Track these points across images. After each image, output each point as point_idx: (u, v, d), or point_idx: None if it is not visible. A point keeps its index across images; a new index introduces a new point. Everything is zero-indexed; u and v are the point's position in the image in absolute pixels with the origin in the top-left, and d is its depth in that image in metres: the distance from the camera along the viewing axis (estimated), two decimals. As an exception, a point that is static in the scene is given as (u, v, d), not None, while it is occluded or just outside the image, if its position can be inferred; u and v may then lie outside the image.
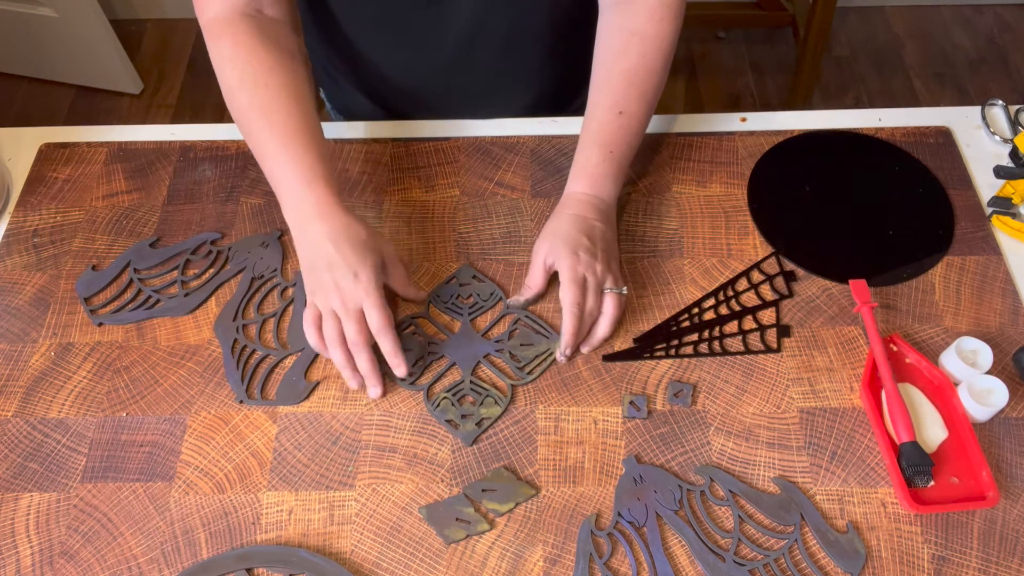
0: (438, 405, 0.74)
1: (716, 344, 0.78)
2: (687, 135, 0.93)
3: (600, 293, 0.75)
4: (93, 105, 2.22)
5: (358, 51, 0.95)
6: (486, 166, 0.90)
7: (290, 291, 0.81)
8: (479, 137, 0.93)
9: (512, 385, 0.75)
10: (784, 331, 0.78)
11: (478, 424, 0.73)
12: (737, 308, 0.80)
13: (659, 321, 0.79)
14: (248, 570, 0.67)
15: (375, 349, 0.73)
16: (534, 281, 0.78)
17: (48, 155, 0.93)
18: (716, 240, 0.85)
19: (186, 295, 0.81)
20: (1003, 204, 0.85)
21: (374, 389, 0.74)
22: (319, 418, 0.74)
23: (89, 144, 0.94)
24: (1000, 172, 0.88)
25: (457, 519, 0.69)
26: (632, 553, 0.67)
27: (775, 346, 0.77)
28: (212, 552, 0.68)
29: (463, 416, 0.73)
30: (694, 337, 0.78)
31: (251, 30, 0.77)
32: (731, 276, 0.82)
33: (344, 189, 0.89)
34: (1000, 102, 0.94)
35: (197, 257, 0.84)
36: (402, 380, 0.75)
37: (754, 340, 0.78)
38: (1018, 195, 0.85)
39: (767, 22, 2.29)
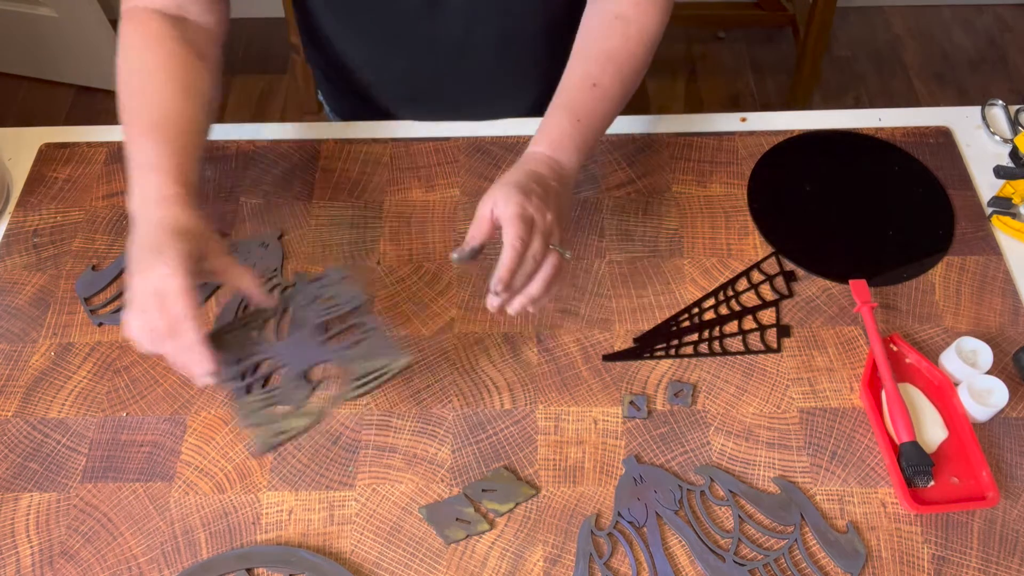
0: (247, 406, 0.68)
1: (716, 344, 0.78)
2: (687, 135, 0.93)
3: (546, 243, 0.67)
4: (93, 105, 2.22)
5: (354, 58, 0.95)
6: (486, 166, 0.90)
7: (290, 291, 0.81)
8: (479, 137, 0.93)
9: (332, 399, 0.70)
10: (784, 331, 0.78)
11: (278, 434, 0.66)
12: (737, 308, 0.80)
13: (659, 321, 0.79)
14: (248, 570, 0.67)
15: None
16: (478, 230, 0.68)
17: (48, 155, 0.93)
18: (716, 240, 0.85)
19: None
20: (1003, 204, 0.85)
21: (200, 380, 0.64)
22: (319, 418, 0.74)
23: (89, 144, 0.94)
24: (1000, 172, 0.88)
25: (457, 519, 0.69)
26: (632, 553, 0.67)
27: (775, 346, 0.77)
28: (212, 552, 0.68)
29: (268, 423, 0.67)
30: (694, 337, 0.78)
31: (164, 24, 0.75)
32: (731, 276, 0.82)
33: (347, 187, 0.89)
34: (1000, 102, 0.94)
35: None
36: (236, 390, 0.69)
37: (754, 340, 0.78)
38: (1018, 195, 0.85)
39: (767, 22, 2.29)
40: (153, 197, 0.67)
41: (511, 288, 0.66)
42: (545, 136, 0.75)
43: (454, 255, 0.68)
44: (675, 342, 0.78)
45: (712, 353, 0.77)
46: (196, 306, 0.63)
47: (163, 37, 0.75)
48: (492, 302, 0.67)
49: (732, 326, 0.79)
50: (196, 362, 0.63)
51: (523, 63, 0.94)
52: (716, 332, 0.78)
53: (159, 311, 0.62)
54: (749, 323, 0.79)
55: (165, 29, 0.75)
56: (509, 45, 0.91)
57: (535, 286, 0.67)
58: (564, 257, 0.68)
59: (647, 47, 0.79)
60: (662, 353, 0.77)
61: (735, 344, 0.78)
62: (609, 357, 0.77)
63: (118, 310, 0.80)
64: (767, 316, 0.79)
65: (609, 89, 0.77)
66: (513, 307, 0.67)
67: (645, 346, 0.77)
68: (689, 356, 0.77)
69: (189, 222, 0.66)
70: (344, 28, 0.91)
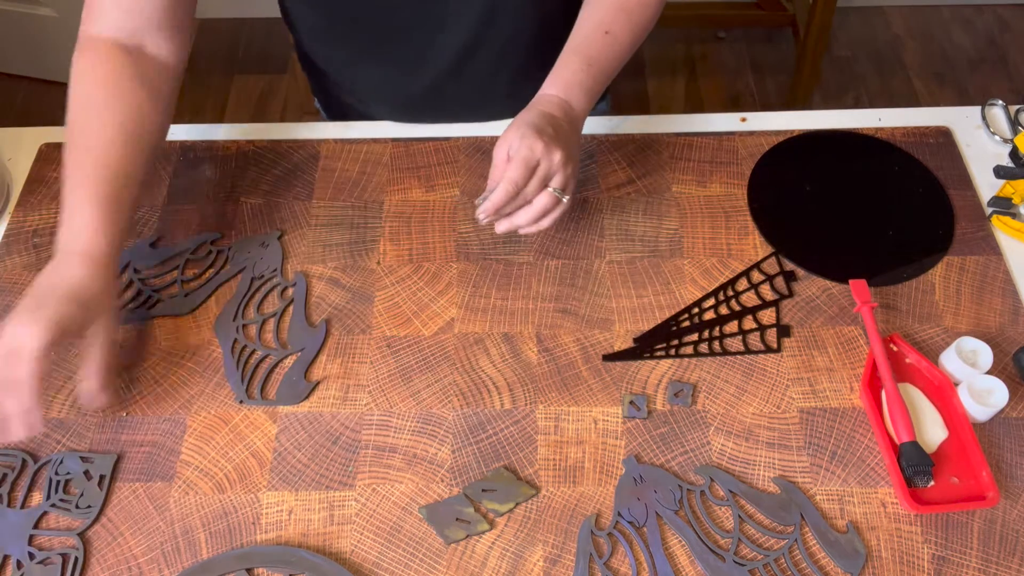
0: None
1: (716, 344, 0.78)
2: (687, 135, 0.93)
3: (544, 184, 0.72)
4: (93, 105, 2.22)
5: (354, 68, 0.95)
6: (486, 166, 0.90)
7: (290, 291, 0.81)
8: (479, 137, 0.93)
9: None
10: (784, 331, 0.78)
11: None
12: (737, 308, 0.80)
13: (659, 321, 0.79)
14: (248, 570, 0.67)
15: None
16: (498, 172, 0.73)
17: (48, 155, 0.93)
18: (716, 240, 0.85)
19: (186, 295, 0.81)
20: (1003, 204, 0.85)
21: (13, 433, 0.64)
22: (319, 418, 0.74)
23: (89, 144, 0.94)
24: (1000, 172, 0.88)
25: (457, 519, 0.69)
26: (632, 553, 0.67)
27: (775, 346, 0.77)
28: (212, 552, 0.68)
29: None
30: (694, 337, 0.78)
31: (119, 60, 0.74)
32: (731, 276, 0.82)
33: (347, 187, 0.89)
34: (1000, 102, 0.94)
35: (197, 257, 0.83)
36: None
37: (754, 340, 0.78)
38: (1018, 195, 0.85)
39: (767, 22, 2.29)
40: (71, 247, 0.67)
41: (499, 214, 0.72)
42: (558, 79, 0.77)
43: (478, 200, 0.73)
44: (675, 342, 0.78)
45: (712, 353, 0.77)
46: (42, 375, 0.62)
47: (118, 75, 0.74)
48: (479, 219, 0.73)
49: (732, 326, 0.79)
50: (22, 426, 0.63)
51: (519, 71, 0.94)
52: (716, 332, 0.78)
53: (5, 364, 0.62)
54: (749, 323, 0.79)
55: (120, 66, 0.74)
56: (506, 55, 0.91)
57: (521, 217, 0.73)
58: (561, 200, 0.74)
59: None
60: (662, 353, 0.77)
61: (735, 344, 0.78)
62: (609, 357, 0.77)
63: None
64: (767, 316, 0.79)
65: (620, 36, 0.79)
66: (499, 228, 0.74)
67: (645, 346, 0.77)
68: (689, 356, 0.77)
69: (90, 289, 0.66)
70: (338, 43, 0.91)
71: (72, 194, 0.70)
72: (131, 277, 0.82)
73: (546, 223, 0.74)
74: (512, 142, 0.71)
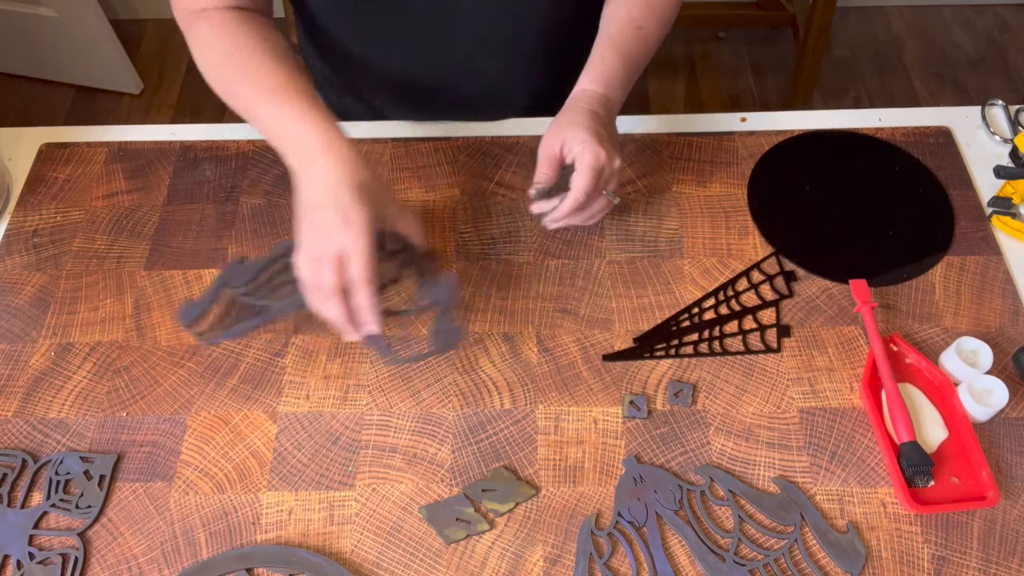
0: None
1: (716, 344, 0.78)
2: (687, 135, 0.93)
3: (605, 187, 0.76)
4: (93, 105, 2.22)
5: (361, 64, 0.94)
6: (486, 166, 0.90)
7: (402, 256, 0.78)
8: (479, 137, 0.93)
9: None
10: (784, 331, 0.78)
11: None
12: (737, 308, 0.80)
13: (659, 321, 0.79)
14: (248, 570, 0.67)
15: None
16: (550, 169, 0.75)
17: (48, 155, 0.93)
18: (716, 240, 0.85)
19: (294, 296, 0.75)
20: (1003, 204, 0.85)
21: (347, 334, 0.68)
22: (319, 418, 0.74)
23: (89, 144, 0.94)
24: (1000, 172, 0.88)
25: (457, 519, 0.69)
26: (632, 553, 0.67)
27: (775, 346, 0.77)
28: (212, 552, 0.68)
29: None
30: (694, 337, 0.78)
31: (227, 15, 0.78)
32: (731, 276, 0.82)
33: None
34: (1000, 102, 0.94)
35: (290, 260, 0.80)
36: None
37: (754, 340, 0.78)
38: (1018, 195, 0.85)
39: (767, 22, 2.29)
40: (317, 148, 0.68)
41: (558, 219, 0.76)
42: (597, 74, 0.79)
43: (532, 192, 0.76)
44: (675, 342, 0.78)
45: (712, 353, 0.77)
46: (374, 269, 0.66)
47: (240, 22, 0.77)
48: (546, 223, 0.77)
49: (732, 326, 0.79)
50: (366, 321, 0.66)
51: (529, 65, 0.94)
52: (716, 332, 0.78)
53: (334, 271, 0.64)
54: (749, 323, 0.79)
55: (230, 22, 0.77)
56: (517, 50, 0.91)
57: (577, 218, 0.77)
58: (612, 202, 0.77)
59: None
60: (662, 353, 0.77)
61: (735, 344, 0.78)
62: (609, 357, 0.77)
63: (228, 327, 0.76)
64: (767, 316, 0.79)
65: (651, 30, 0.81)
66: (552, 225, 0.77)
67: (645, 346, 0.77)
68: (689, 356, 0.77)
69: (363, 175, 0.67)
70: (349, 33, 0.91)
71: (284, 109, 0.71)
72: (232, 296, 0.76)
73: (593, 221, 0.79)
74: (570, 142, 0.73)
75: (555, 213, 0.75)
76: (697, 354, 0.77)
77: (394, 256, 0.74)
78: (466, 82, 0.94)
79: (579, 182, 0.72)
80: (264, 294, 0.75)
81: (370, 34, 0.89)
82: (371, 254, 0.65)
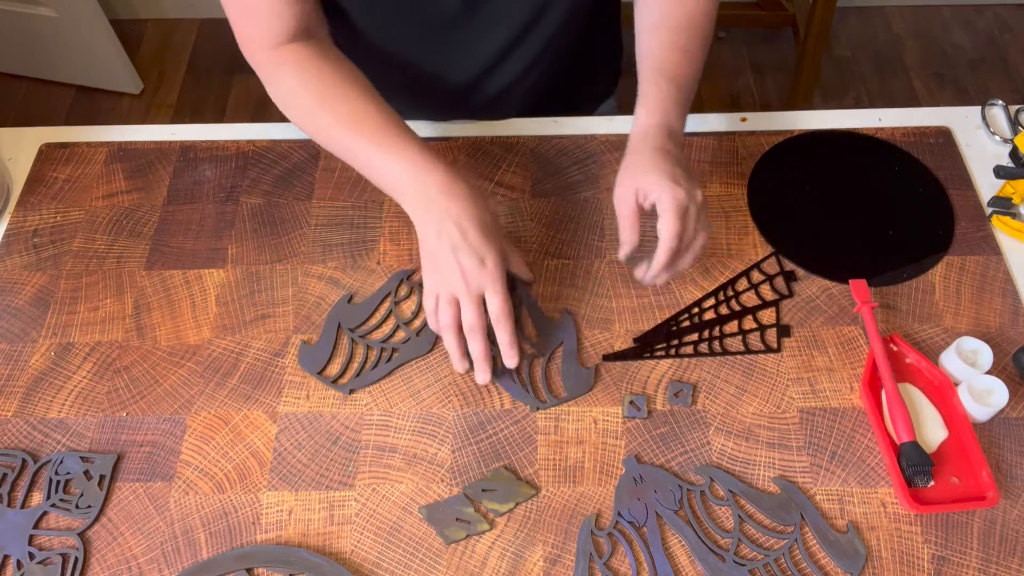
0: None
1: (716, 344, 0.78)
2: (687, 135, 0.92)
3: (696, 225, 0.72)
4: (93, 105, 2.22)
5: (387, 64, 0.93)
6: (486, 166, 0.90)
7: (515, 295, 0.79)
8: (479, 137, 0.93)
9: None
10: (784, 331, 0.78)
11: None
12: (737, 308, 0.80)
13: (659, 321, 0.79)
14: (248, 570, 0.67)
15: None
16: (632, 230, 0.73)
17: (48, 155, 0.93)
18: (716, 240, 0.84)
19: (417, 334, 0.78)
20: (1003, 204, 0.85)
21: (482, 375, 0.73)
22: (319, 418, 0.74)
23: (89, 144, 0.94)
24: (1000, 172, 0.88)
25: (457, 519, 0.69)
26: (632, 553, 0.67)
27: (775, 346, 0.77)
28: (212, 552, 0.68)
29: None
30: (694, 337, 0.78)
31: (310, 53, 0.77)
32: (731, 276, 0.82)
33: (347, 187, 0.89)
34: (1000, 102, 0.94)
35: (401, 297, 0.81)
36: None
37: (754, 340, 0.78)
38: (1018, 195, 0.85)
39: (767, 22, 2.29)
40: (439, 190, 0.70)
41: (658, 276, 0.73)
42: (655, 104, 0.76)
43: (622, 255, 0.73)
44: (675, 342, 0.78)
45: (712, 353, 0.77)
46: (511, 304, 0.71)
47: (320, 67, 0.77)
48: (647, 279, 0.74)
49: (732, 326, 0.79)
50: (510, 357, 0.72)
51: (547, 74, 0.93)
52: (716, 332, 0.78)
53: (478, 313, 0.70)
54: (749, 323, 0.79)
55: (316, 61, 0.77)
56: (541, 57, 0.90)
57: (684, 263, 0.73)
58: (708, 232, 0.74)
59: (715, 4, 0.81)
60: (662, 353, 0.77)
61: (735, 344, 0.78)
62: (609, 357, 0.77)
63: (359, 373, 0.77)
64: (767, 316, 0.79)
65: (695, 52, 0.80)
66: (660, 281, 0.74)
67: (645, 346, 0.77)
68: (689, 356, 0.77)
69: (486, 214, 0.71)
70: (379, 34, 0.89)
71: (397, 165, 0.72)
72: (351, 338, 0.78)
73: (697, 261, 0.74)
74: (647, 193, 0.71)
75: (652, 270, 0.72)
76: (697, 354, 0.77)
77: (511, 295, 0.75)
78: (491, 84, 0.93)
79: (666, 230, 0.70)
80: (384, 335, 0.78)
81: (403, 35, 0.88)
82: (507, 292, 0.70)
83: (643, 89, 0.77)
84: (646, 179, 0.71)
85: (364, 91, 0.76)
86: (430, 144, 0.72)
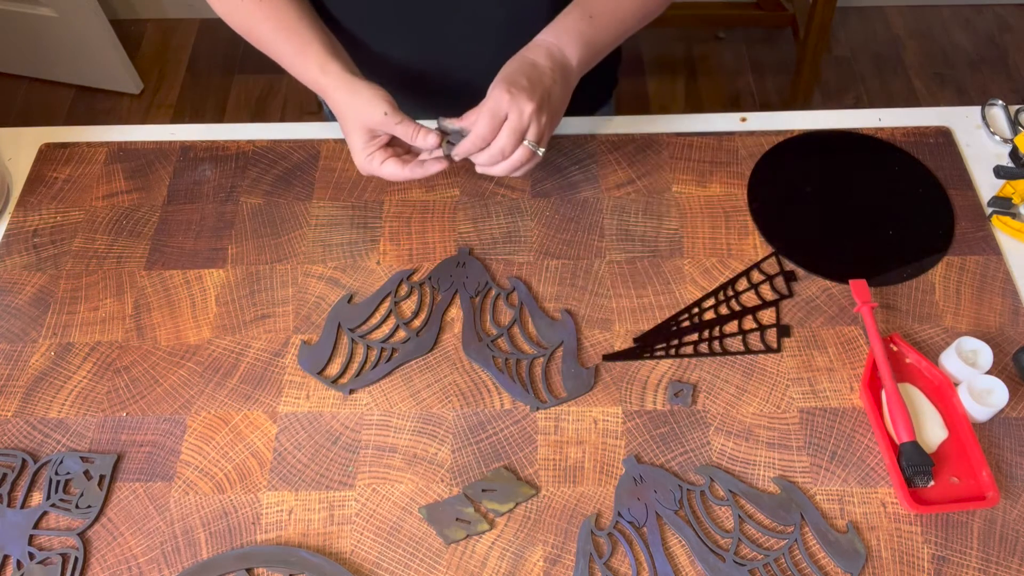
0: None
1: (716, 344, 0.78)
2: (687, 135, 0.93)
3: (518, 139, 0.73)
4: (93, 105, 2.22)
5: (353, 49, 0.94)
6: (486, 166, 0.90)
7: (514, 296, 0.80)
8: (479, 137, 0.93)
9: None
10: (784, 331, 0.78)
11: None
12: (737, 308, 0.80)
13: (659, 321, 0.79)
14: (248, 570, 0.67)
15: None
16: (468, 117, 0.75)
17: (48, 155, 0.93)
18: (716, 240, 0.85)
19: (417, 334, 0.78)
20: (1003, 204, 0.85)
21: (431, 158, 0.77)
22: (319, 418, 0.74)
23: (89, 144, 0.94)
24: (1000, 172, 0.88)
25: (457, 519, 0.69)
26: (632, 553, 0.67)
27: (775, 346, 0.77)
28: (212, 552, 0.68)
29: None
30: (694, 337, 0.78)
31: None
32: (731, 276, 0.82)
33: (347, 187, 0.89)
34: (1000, 102, 0.94)
35: (401, 297, 0.81)
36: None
37: (754, 340, 0.78)
38: (1018, 195, 0.85)
39: (767, 22, 2.29)
40: (324, 92, 0.78)
41: (461, 154, 0.75)
42: (555, 25, 0.78)
43: (436, 124, 0.75)
44: (675, 342, 0.78)
45: (712, 353, 0.77)
46: (382, 152, 0.77)
47: None
48: (452, 155, 0.76)
49: (732, 326, 0.79)
50: (433, 165, 0.76)
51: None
52: (716, 332, 0.78)
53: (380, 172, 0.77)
54: (749, 323, 0.79)
55: None
56: (515, 35, 0.90)
57: (497, 169, 0.75)
58: (536, 152, 0.74)
59: None
60: (662, 353, 0.77)
61: (735, 344, 0.78)
62: (609, 357, 0.77)
63: (359, 373, 0.77)
64: (767, 316, 0.79)
65: (626, 2, 0.79)
66: (480, 168, 0.76)
67: (645, 346, 0.77)
68: (689, 356, 0.77)
69: (348, 109, 0.76)
70: (351, 15, 0.91)
71: (296, 63, 0.81)
72: (351, 338, 0.78)
73: (519, 174, 0.76)
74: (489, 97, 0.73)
75: (457, 148, 0.74)
76: (697, 354, 0.77)
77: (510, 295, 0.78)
78: (464, 68, 0.93)
79: (477, 124, 0.72)
80: (384, 335, 0.78)
81: (361, 16, 0.89)
82: (381, 166, 0.77)
83: (560, 14, 0.79)
84: (494, 82, 0.73)
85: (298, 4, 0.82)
86: (330, 39, 0.81)
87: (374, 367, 0.77)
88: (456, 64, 0.92)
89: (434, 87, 0.97)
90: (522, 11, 0.87)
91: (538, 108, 0.72)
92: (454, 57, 0.91)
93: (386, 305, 0.80)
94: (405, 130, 0.76)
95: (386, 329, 0.79)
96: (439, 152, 0.76)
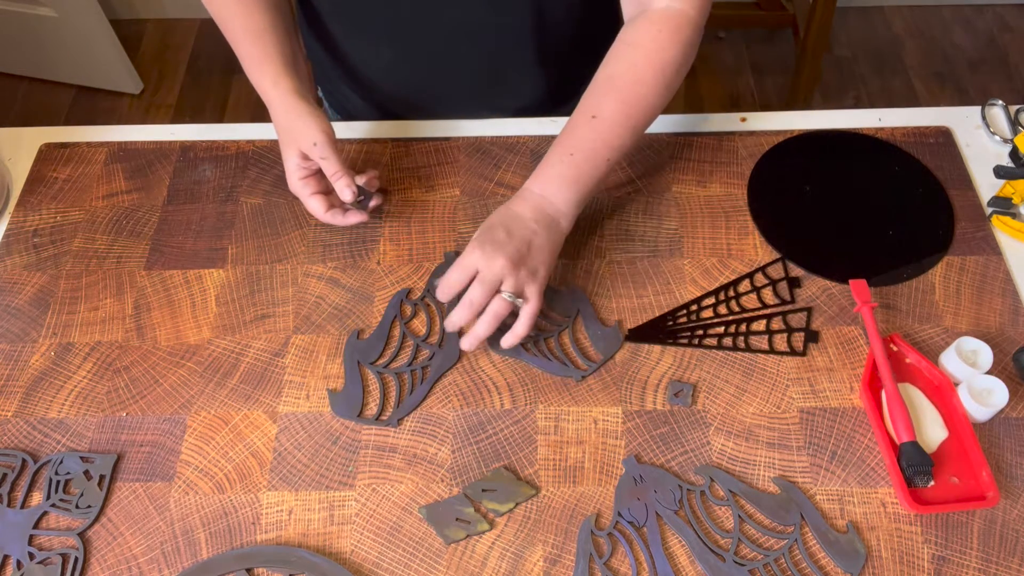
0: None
1: (741, 340, 0.77)
2: (687, 135, 0.93)
3: (490, 290, 0.72)
4: (93, 105, 2.22)
5: (345, 50, 0.95)
6: (486, 166, 0.90)
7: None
8: (479, 137, 0.93)
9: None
10: (812, 336, 0.78)
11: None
12: (737, 309, 0.80)
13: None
14: (248, 570, 0.67)
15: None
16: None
17: (48, 155, 0.93)
18: (716, 240, 0.85)
19: (440, 346, 0.78)
20: (1003, 204, 0.85)
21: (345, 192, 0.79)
22: (319, 418, 0.74)
23: (89, 144, 0.94)
24: (1000, 172, 0.88)
25: (457, 519, 0.69)
26: (632, 553, 0.67)
27: (801, 349, 0.77)
28: (212, 552, 0.68)
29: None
30: (719, 331, 0.78)
31: None
32: (731, 276, 0.82)
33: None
34: (1000, 102, 0.94)
35: (408, 318, 0.80)
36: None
37: (780, 342, 0.78)
38: (1018, 195, 0.85)
39: (767, 22, 2.29)
40: (269, 103, 0.82)
41: (453, 324, 0.74)
42: (539, 173, 0.77)
43: (436, 282, 0.76)
44: (700, 332, 0.78)
45: (736, 348, 0.77)
46: (315, 182, 0.82)
47: None
48: (449, 327, 0.75)
49: (759, 325, 0.78)
50: (353, 216, 0.83)
51: (514, 64, 0.93)
52: (742, 328, 0.78)
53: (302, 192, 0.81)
54: (777, 324, 0.78)
55: None
56: (500, 43, 0.91)
57: (479, 327, 0.73)
58: (514, 303, 0.73)
59: (657, 73, 0.77)
60: (685, 341, 0.77)
61: (760, 343, 0.78)
62: (633, 333, 0.78)
63: (397, 404, 0.75)
64: (796, 319, 0.79)
65: (609, 120, 0.76)
66: (464, 343, 0.74)
67: (669, 333, 0.77)
68: (712, 348, 0.77)
69: (284, 131, 0.81)
70: (332, 13, 0.91)
71: (253, 69, 0.83)
72: (375, 373, 0.76)
73: (521, 330, 0.73)
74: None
75: (436, 293, 0.74)
76: (721, 347, 0.77)
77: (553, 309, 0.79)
78: (450, 75, 0.93)
79: (446, 275, 0.73)
80: (409, 359, 0.77)
81: (344, 17, 0.90)
82: (299, 183, 0.82)
83: (543, 159, 0.77)
84: (474, 236, 0.74)
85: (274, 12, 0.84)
86: (289, 53, 0.84)
87: (411, 392, 0.76)
88: (441, 68, 0.92)
89: (419, 90, 0.97)
90: (507, 17, 0.87)
91: (512, 262, 0.71)
92: (439, 61, 0.91)
93: (398, 330, 0.80)
94: (328, 167, 0.79)
95: (407, 353, 0.78)
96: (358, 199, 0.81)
